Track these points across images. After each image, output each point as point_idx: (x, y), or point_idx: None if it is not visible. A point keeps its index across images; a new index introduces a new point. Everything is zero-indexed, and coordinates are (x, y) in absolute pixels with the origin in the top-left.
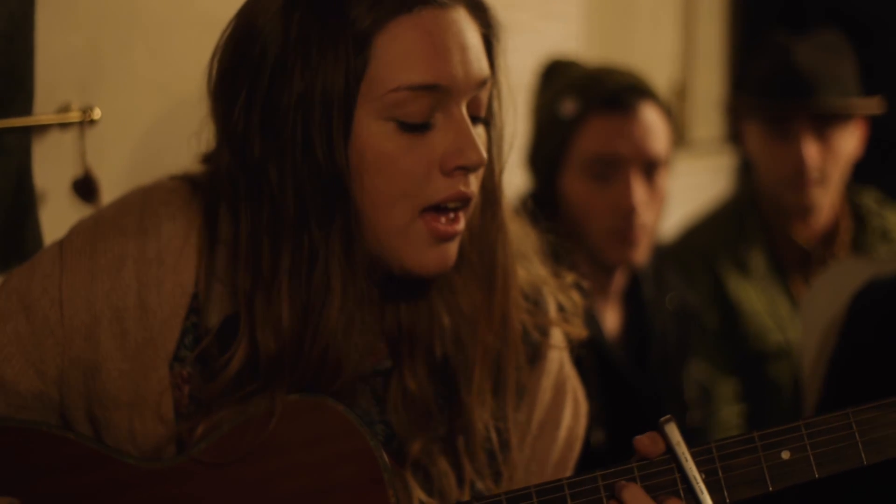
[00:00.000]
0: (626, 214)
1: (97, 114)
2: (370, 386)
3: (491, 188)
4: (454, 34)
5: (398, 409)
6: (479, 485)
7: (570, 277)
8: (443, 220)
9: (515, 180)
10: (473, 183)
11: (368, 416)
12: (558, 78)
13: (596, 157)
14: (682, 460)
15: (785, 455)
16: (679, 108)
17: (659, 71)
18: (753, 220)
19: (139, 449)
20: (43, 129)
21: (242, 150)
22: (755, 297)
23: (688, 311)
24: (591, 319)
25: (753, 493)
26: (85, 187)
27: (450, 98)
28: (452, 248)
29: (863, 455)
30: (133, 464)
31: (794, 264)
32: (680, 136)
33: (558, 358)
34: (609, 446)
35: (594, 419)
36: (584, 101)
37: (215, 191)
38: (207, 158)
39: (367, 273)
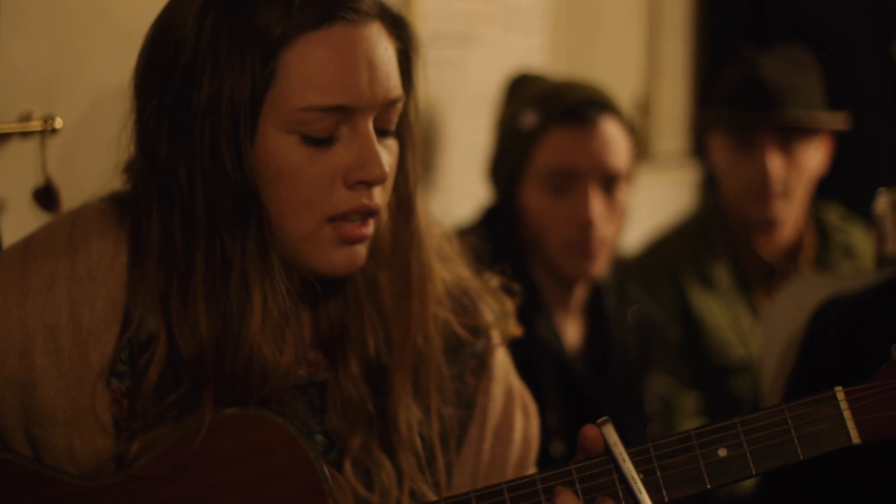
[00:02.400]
0: (584, 227)
1: (59, 123)
2: (307, 397)
3: (406, 196)
4: (363, 52)
5: (337, 412)
6: (421, 486)
7: (495, 280)
8: (349, 225)
9: (477, 192)
10: (378, 195)
11: (307, 427)
12: (521, 91)
13: (554, 169)
14: (620, 461)
15: (722, 452)
16: (643, 122)
17: (623, 85)
18: (717, 233)
19: (79, 467)
20: (4, 137)
21: (152, 152)
22: (718, 311)
23: (649, 325)
24: (552, 331)
25: (692, 491)
26: (46, 196)
27: (356, 114)
28: (360, 249)
29: (798, 450)
30: (73, 482)
31: (757, 278)
32: (643, 150)
33: (502, 363)
34: (569, 458)
35: (554, 431)
36: (545, 113)
37: (137, 201)
38: (127, 167)
39: (287, 278)
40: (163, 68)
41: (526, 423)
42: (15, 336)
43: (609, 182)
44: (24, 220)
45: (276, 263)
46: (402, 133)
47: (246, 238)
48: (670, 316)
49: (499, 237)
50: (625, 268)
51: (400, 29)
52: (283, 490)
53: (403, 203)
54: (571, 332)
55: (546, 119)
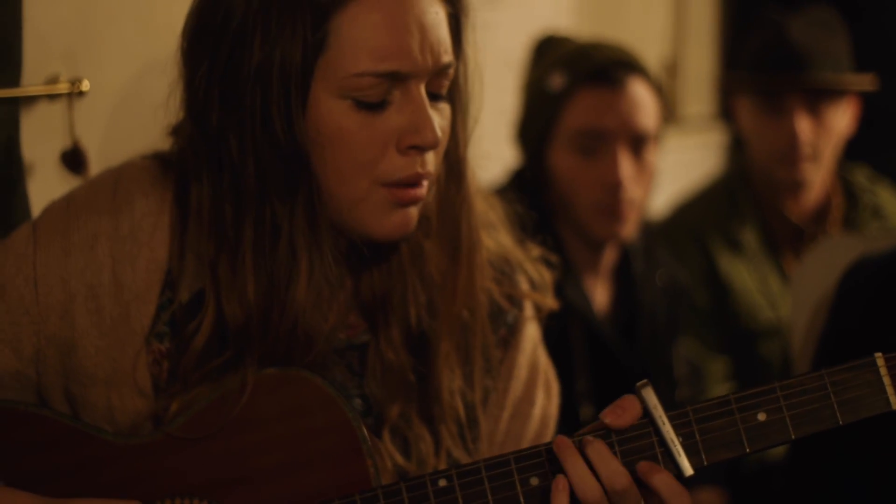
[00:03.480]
0: (613, 189)
1: (86, 85)
2: (346, 360)
3: (456, 161)
4: (415, 16)
5: (376, 378)
6: (455, 453)
7: (536, 251)
8: (402, 188)
9: (505, 155)
10: (430, 162)
11: (345, 390)
12: (548, 53)
13: (583, 130)
14: (660, 424)
15: (761, 417)
16: (670, 85)
17: (650, 47)
18: (745, 196)
19: (117, 425)
20: (31, 100)
21: (203, 119)
22: (746, 274)
23: (678, 288)
24: (581, 294)
25: (731, 455)
26: (73, 159)
27: (409, 79)
28: (413, 212)
29: (838, 415)
30: (111, 440)
31: (786, 241)
32: (671, 113)
33: (532, 336)
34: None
35: (583, 395)
36: (572, 75)
37: (183, 164)
38: (174, 130)
39: (334, 245)
40: (212, 33)
41: (546, 401)
42: (56, 295)
43: (637, 143)
44: (52, 184)
45: (325, 230)
46: (453, 98)
47: (295, 204)
48: (698, 280)
49: (528, 200)
50: (653, 231)
51: None
52: (321, 449)
53: (453, 168)
54: (600, 295)
55: (574, 80)
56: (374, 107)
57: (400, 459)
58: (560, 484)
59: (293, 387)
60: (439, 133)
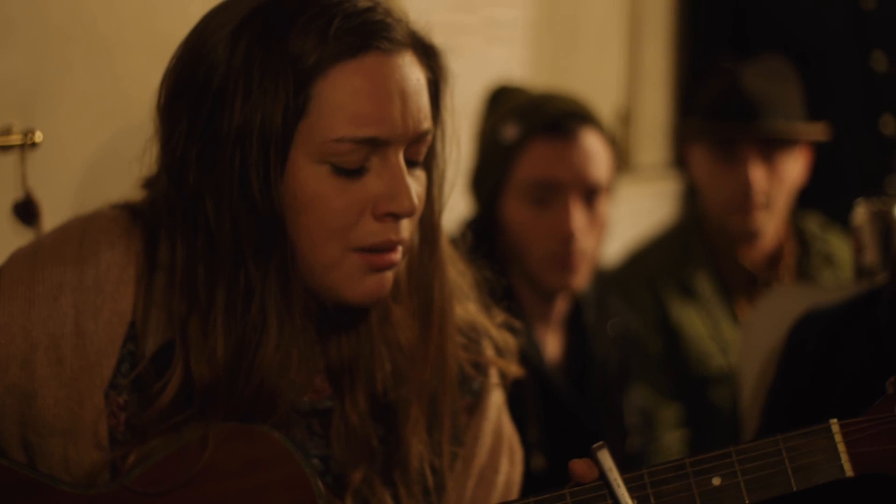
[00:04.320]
0: (565, 240)
1: (38, 136)
2: (307, 422)
3: (430, 227)
4: (397, 82)
5: (340, 441)
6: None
7: (501, 317)
8: (376, 254)
9: (458, 206)
10: (405, 228)
11: (304, 450)
12: (502, 104)
13: (536, 182)
14: (615, 487)
15: (716, 481)
16: (624, 133)
17: (604, 96)
18: (698, 243)
19: (73, 476)
20: None
21: (180, 177)
22: (698, 321)
23: (629, 338)
24: (532, 344)
25: None
26: (26, 210)
27: (388, 146)
28: (388, 276)
29: (792, 481)
30: (67, 490)
31: (739, 287)
32: (624, 162)
33: (497, 403)
34: (549, 472)
35: (534, 445)
36: (526, 126)
37: (154, 217)
38: (148, 183)
39: (304, 309)
40: (192, 92)
41: (510, 468)
42: (18, 344)
43: (590, 194)
44: (4, 235)
45: (297, 293)
46: (429, 163)
47: (269, 267)
48: (651, 327)
49: (480, 250)
50: (605, 280)
51: (431, 58)
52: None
53: (428, 234)
54: (551, 345)
55: (527, 132)
56: (352, 173)
57: None
58: None
59: (251, 441)
60: (416, 200)
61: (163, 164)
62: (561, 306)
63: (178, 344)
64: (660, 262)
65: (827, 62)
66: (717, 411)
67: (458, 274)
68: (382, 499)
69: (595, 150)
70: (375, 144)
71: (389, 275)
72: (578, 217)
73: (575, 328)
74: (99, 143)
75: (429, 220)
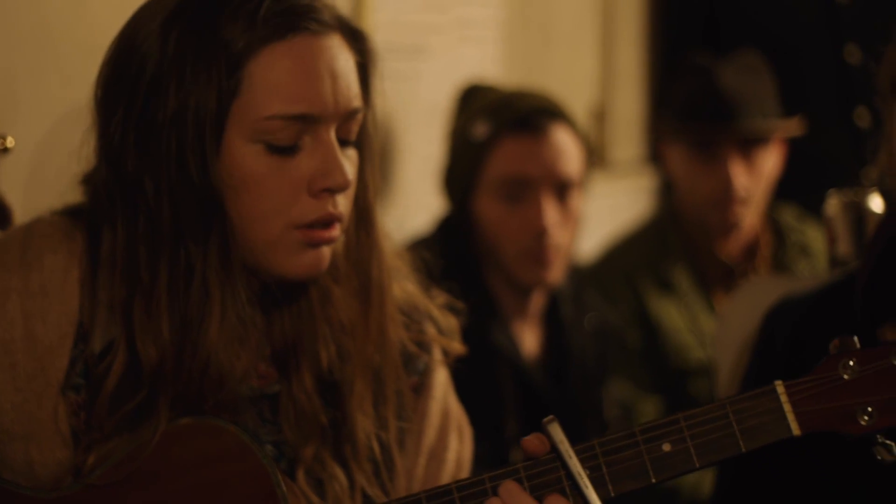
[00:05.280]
0: (538, 236)
1: (10, 142)
2: (257, 408)
3: (365, 207)
4: (326, 61)
5: (289, 421)
6: (371, 491)
7: (442, 298)
8: (315, 230)
9: (431, 203)
10: (342, 203)
11: (257, 437)
12: (472, 102)
13: (507, 178)
14: (566, 458)
15: (666, 447)
16: (599, 130)
17: (578, 93)
18: (675, 237)
19: (38, 480)
20: None
21: (118, 163)
22: (676, 314)
23: (607, 332)
24: (509, 340)
25: (637, 486)
26: None
27: (319, 124)
28: (326, 251)
29: (741, 443)
30: (29, 495)
31: (716, 280)
32: (599, 158)
33: (442, 381)
34: None
35: (513, 440)
36: (496, 123)
37: (95, 215)
38: (86, 178)
39: (247, 285)
40: (127, 81)
41: (460, 446)
42: None
43: (562, 190)
44: None
45: (238, 270)
46: (361, 145)
47: (209, 245)
48: (629, 321)
49: (454, 247)
50: (581, 275)
51: (359, 42)
52: (237, 497)
53: (363, 215)
54: (529, 340)
55: (497, 129)
56: (285, 150)
57: (315, 499)
58: None
59: (208, 435)
60: (349, 175)
61: (101, 153)
62: (537, 301)
63: (119, 326)
64: (637, 256)
65: (801, 56)
66: (696, 404)
67: (395, 255)
68: (334, 474)
69: (565, 146)
70: (307, 122)
71: (327, 250)
72: (551, 212)
73: (552, 323)
74: (71, 148)
75: (364, 201)
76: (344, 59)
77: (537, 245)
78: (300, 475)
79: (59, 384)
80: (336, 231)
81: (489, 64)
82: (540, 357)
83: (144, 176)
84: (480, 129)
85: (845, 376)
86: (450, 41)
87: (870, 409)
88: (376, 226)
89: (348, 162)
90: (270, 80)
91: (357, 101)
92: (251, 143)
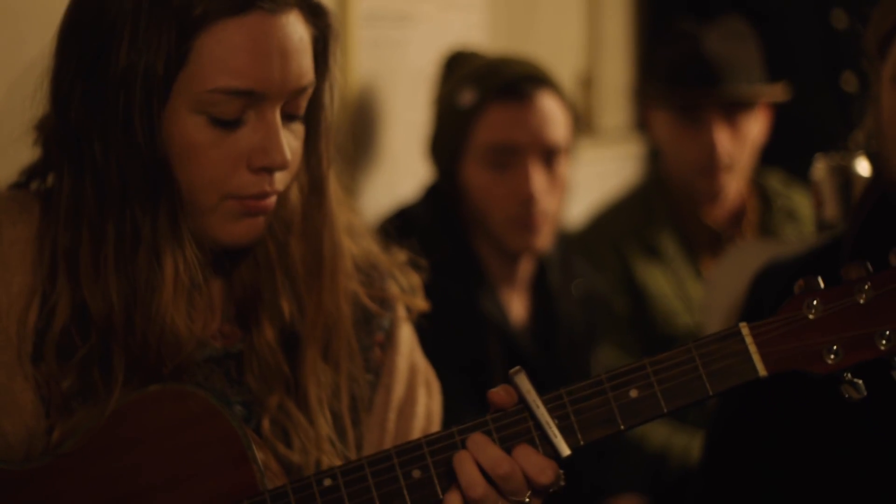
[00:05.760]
0: (526, 202)
1: None
2: (223, 368)
3: (318, 177)
4: (278, 41)
5: (253, 372)
6: (335, 442)
7: (403, 255)
8: (250, 200)
9: (418, 170)
10: (279, 180)
11: (225, 398)
12: (458, 69)
13: (494, 146)
14: (534, 407)
15: (633, 393)
16: (585, 97)
17: (565, 60)
18: (662, 203)
19: (12, 450)
20: None
21: (66, 113)
22: (663, 280)
23: (595, 298)
24: (497, 307)
25: (606, 433)
26: None
27: (264, 101)
28: (260, 220)
29: (707, 386)
30: (2, 468)
31: (703, 246)
32: (586, 125)
33: (407, 337)
34: None
35: None
36: (482, 90)
37: (44, 163)
38: (39, 124)
39: (198, 248)
40: (83, 31)
41: (429, 399)
42: None
43: (549, 156)
44: None
45: (187, 234)
46: (316, 116)
47: (157, 210)
48: (616, 288)
49: (442, 214)
50: (569, 242)
51: (317, 16)
52: (208, 461)
53: (316, 184)
54: (517, 307)
55: (483, 96)
56: (227, 124)
57: (282, 449)
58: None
59: (177, 401)
60: (289, 155)
61: (51, 99)
62: (525, 268)
63: (62, 269)
64: (624, 223)
65: (787, 21)
66: None
67: (352, 215)
68: (299, 423)
69: (552, 112)
70: (250, 98)
71: (262, 219)
72: (538, 179)
73: (540, 290)
74: (6, 110)
75: (317, 171)
76: (298, 37)
77: (525, 211)
78: (265, 424)
79: (27, 354)
80: (272, 201)
81: (475, 30)
82: (527, 324)
83: (91, 133)
84: (466, 97)
85: (810, 316)
86: (436, 8)
87: (835, 347)
88: (329, 196)
89: (292, 136)
90: (218, 55)
91: (306, 79)
92: (194, 113)
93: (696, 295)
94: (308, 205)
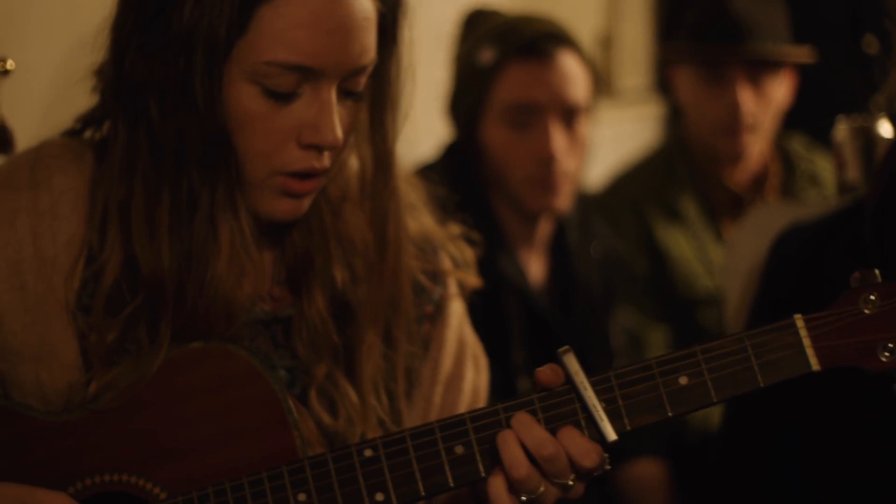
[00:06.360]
0: (546, 162)
1: (10, 64)
2: (271, 332)
3: (384, 153)
4: (341, 18)
5: (302, 339)
6: (380, 414)
7: (457, 229)
8: (295, 179)
9: (437, 129)
10: (328, 158)
11: (269, 361)
12: (478, 27)
13: (514, 104)
14: (581, 389)
15: (683, 381)
16: (605, 58)
17: (585, 21)
18: (683, 166)
19: (49, 402)
20: None
21: (121, 65)
22: (684, 242)
23: (614, 259)
24: (516, 267)
25: (654, 420)
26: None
27: (321, 77)
28: (305, 202)
29: (759, 377)
30: (39, 418)
31: (724, 209)
32: (606, 86)
33: (458, 313)
34: None
35: (520, 368)
36: (502, 49)
37: (100, 111)
38: (98, 71)
39: (253, 219)
40: None
41: (476, 376)
42: None
43: (569, 116)
44: None
45: (243, 206)
46: (382, 91)
47: (216, 180)
48: (636, 250)
49: (461, 174)
50: (588, 203)
51: None
52: (248, 422)
53: (381, 161)
54: (535, 267)
55: (503, 54)
56: (281, 97)
57: (327, 419)
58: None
59: (218, 360)
60: (340, 134)
61: (109, 48)
62: (544, 229)
63: (114, 224)
64: (645, 185)
65: None
66: (704, 332)
67: (411, 190)
68: (346, 394)
69: (573, 72)
70: (307, 73)
71: (307, 200)
72: (558, 138)
73: (559, 250)
74: (72, 70)
75: (382, 147)
76: (362, 15)
77: (545, 171)
78: (312, 394)
79: (70, 305)
80: (315, 183)
81: None
82: (546, 285)
83: (147, 88)
84: (486, 55)
85: (866, 311)
86: None
87: (891, 344)
88: (394, 171)
89: (346, 114)
90: (279, 27)
91: (366, 58)
92: (249, 83)
93: (716, 258)
94: (374, 183)
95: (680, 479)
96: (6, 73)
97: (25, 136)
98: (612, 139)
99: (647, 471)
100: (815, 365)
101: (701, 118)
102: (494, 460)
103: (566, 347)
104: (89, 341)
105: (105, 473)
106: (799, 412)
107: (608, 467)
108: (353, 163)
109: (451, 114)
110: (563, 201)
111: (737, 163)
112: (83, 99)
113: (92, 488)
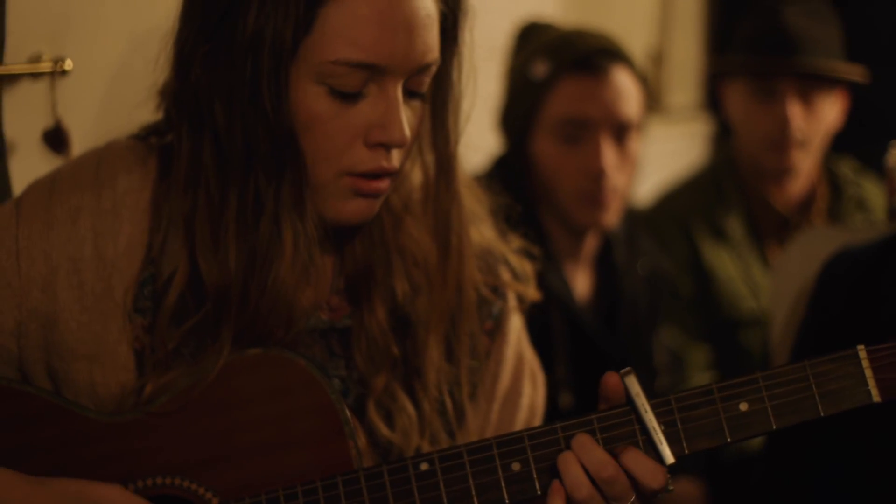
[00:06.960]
0: (596, 177)
1: (69, 64)
2: (326, 341)
3: (446, 157)
4: (404, 14)
5: (361, 351)
6: (437, 427)
7: (518, 242)
8: (365, 180)
9: (488, 142)
10: (396, 157)
11: (325, 370)
12: (532, 40)
13: (566, 119)
14: (642, 411)
15: (743, 407)
16: (655, 74)
17: (636, 36)
18: (731, 185)
19: (100, 401)
20: (13, 79)
21: (185, 74)
22: (730, 263)
23: (659, 277)
24: (562, 282)
25: (712, 444)
26: (56, 138)
27: (386, 75)
28: (374, 203)
29: (819, 407)
30: (93, 417)
31: (770, 230)
32: (655, 102)
33: (517, 327)
34: (577, 410)
35: (562, 383)
36: (556, 63)
37: (164, 125)
38: (161, 89)
39: (319, 223)
40: None
41: (533, 391)
42: (38, 268)
43: (621, 132)
44: (34, 163)
45: (310, 207)
46: (444, 93)
47: (282, 180)
48: (682, 268)
49: (510, 187)
50: (636, 219)
51: None
52: (303, 430)
53: (443, 164)
54: (581, 282)
55: (557, 68)
56: (347, 97)
57: (385, 431)
58: (555, 486)
59: (276, 367)
60: (408, 132)
61: (173, 60)
62: (591, 244)
63: (181, 239)
64: (692, 203)
65: (867, 4)
66: (747, 354)
67: (474, 200)
68: (403, 406)
69: (625, 87)
70: (373, 71)
71: (376, 202)
72: (609, 154)
73: (605, 266)
74: (128, 70)
75: (444, 151)
76: (425, 13)
77: (594, 187)
78: (370, 405)
79: (127, 307)
80: (386, 184)
81: (548, 2)
82: (591, 300)
83: (213, 95)
84: (540, 68)
85: None
86: None
87: None
88: (456, 175)
89: (411, 114)
90: (343, 25)
91: (430, 56)
92: (315, 83)
93: (761, 279)
94: (436, 186)
95: (717, 498)
96: (64, 73)
97: (81, 137)
98: (660, 156)
99: (684, 490)
100: (875, 396)
101: (750, 133)
102: (551, 479)
103: (628, 369)
104: (148, 350)
105: (158, 476)
106: (845, 439)
107: (671, 488)
108: (416, 175)
109: (502, 126)
110: (612, 217)
111: (784, 182)
112: (138, 100)
113: (145, 490)
